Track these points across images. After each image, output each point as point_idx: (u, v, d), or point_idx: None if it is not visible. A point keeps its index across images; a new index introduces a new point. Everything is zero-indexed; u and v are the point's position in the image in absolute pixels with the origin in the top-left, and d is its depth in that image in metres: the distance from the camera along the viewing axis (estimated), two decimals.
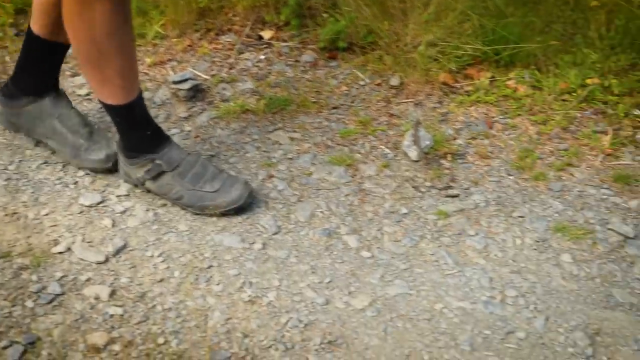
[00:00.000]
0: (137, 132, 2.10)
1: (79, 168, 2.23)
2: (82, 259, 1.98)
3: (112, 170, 2.21)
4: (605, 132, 2.49)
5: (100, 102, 2.06)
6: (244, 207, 2.12)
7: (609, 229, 2.13)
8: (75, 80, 2.68)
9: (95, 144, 2.22)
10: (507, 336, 1.83)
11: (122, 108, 2.03)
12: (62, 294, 1.89)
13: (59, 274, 1.93)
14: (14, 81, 2.27)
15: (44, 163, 2.27)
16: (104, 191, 2.19)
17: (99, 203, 2.15)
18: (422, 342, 1.80)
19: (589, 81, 2.64)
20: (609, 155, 2.41)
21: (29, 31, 2.16)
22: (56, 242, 2.03)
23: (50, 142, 2.26)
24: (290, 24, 2.96)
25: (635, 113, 2.57)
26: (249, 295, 1.90)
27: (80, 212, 2.12)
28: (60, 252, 2.00)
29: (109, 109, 2.06)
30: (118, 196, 2.18)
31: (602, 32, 2.74)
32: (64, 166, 2.27)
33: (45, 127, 2.24)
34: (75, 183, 2.21)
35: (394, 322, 1.85)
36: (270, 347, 1.78)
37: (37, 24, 2.13)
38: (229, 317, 1.85)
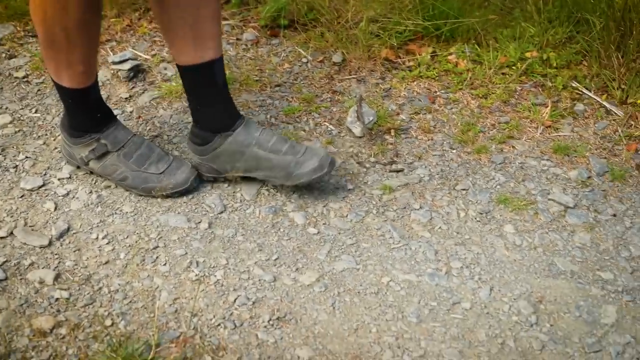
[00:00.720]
0: (88, 114, 2.07)
1: (295, 185, 2.09)
2: (25, 243, 1.95)
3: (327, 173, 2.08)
4: (544, 105, 2.53)
5: (55, 83, 2.01)
6: (190, 190, 2.11)
7: (550, 199, 2.17)
8: (12, 63, 2.62)
9: (303, 155, 2.06)
10: (453, 307, 1.85)
11: (78, 91, 2.00)
12: (6, 279, 1.86)
13: (1, 259, 1.90)
14: (201, 124, 2.10)
15: None
16: (45, 174, 2.16)
17: (40, 186, 2.12)
18: (370, 316, 1.82)
19: (527, 55, 2.68)
20: (548, 127, 2.45)
21: (179, 67, 2.03)
22: None
23: (256, 174, 2.10)
24: (231, 2, 2.95)
25: (573, 85, 2.61)
26: (197, 275, 1.90)
27: (22, 196, 2.09)
28: (2, 237, 1.97)
29: (64, 91, 2.01)
30: (60, 179, 2.15)
31: (539, 6, 2.77)
32: (2, 150, 2.23)
33: (247, 160, 2.07)
34: (15, 167, 2.18)
35: (342, 296, 1.87)
36: (219, 325, 1.78)
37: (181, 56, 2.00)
38: (176, 297, 1.84)
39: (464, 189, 2.20)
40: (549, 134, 2.43)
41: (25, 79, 2.55)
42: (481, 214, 2.12)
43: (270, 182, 2.12)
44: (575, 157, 2.33)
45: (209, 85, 2.02)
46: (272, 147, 2.06)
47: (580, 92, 2.59)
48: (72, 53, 1.90)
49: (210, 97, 2.04)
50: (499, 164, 2.30)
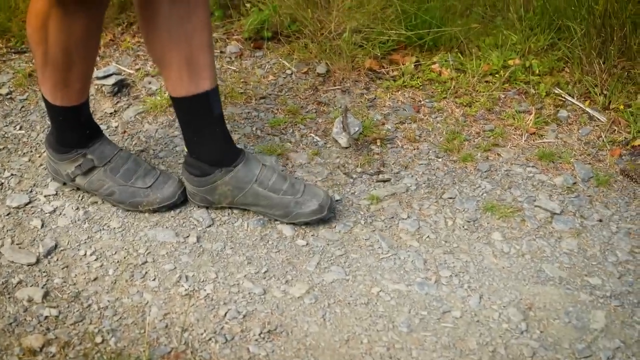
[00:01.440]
0: (77, 131, 2.06)
1: (293, 223, 2.08)
2: (12, 262, 1.94)
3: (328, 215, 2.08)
4: (528, 112, 2.55)
5: (47, 102, 2.00)
6: (177, 204, 2.11)
7: (536, 206, 2.19)
8: None
9: (303, 195, 2.04)
10: (443, 316, 1.86)
11: (71, 109, 1.99)
12: None
13: None
14: (197, 155, 2.05)
15: None
16: (31, 191, 2.15)
17: (26, 204, 2.11)
18: (361, 326, 1.82)
19: (510, 62, 2.70)
20: (533, 134, 2.47)
21: (173, 99, 2.00)
22: None
23: (254, 209, 2.08)
24: (214, 15, 2.94)
25: (556, 92, 2.63)
26: (186, 289, 1.89)
27: (8, 214, 2.08)
28: None
29: (56, 109, 2.00)
30: (46, 196, 2.14)
31: (521, 14, 2.79)
32: None
33: (246, 196, 2.05)
34: (1, 184, 2.17)
35: (332, 308, 1.87)
36: (210, 339, 1.77)
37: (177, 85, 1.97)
38: (166, 312, 1.83)
39: (450, 198, 2.21)
40: (533, 140, 2.44)
41: (9, 96, 2.54)
42: (469, 222, 2.13)
43: (265, 216, 2.11)
44: (560, 163, 2.35)
45: (205, 116, 1.99)
46: (273, 185, 2.04)
47: (564, 99, 2.61)
48: (72, 71, 1.90)
49: (206, 129, 2.00)
50: (485, 171, 2.31)
